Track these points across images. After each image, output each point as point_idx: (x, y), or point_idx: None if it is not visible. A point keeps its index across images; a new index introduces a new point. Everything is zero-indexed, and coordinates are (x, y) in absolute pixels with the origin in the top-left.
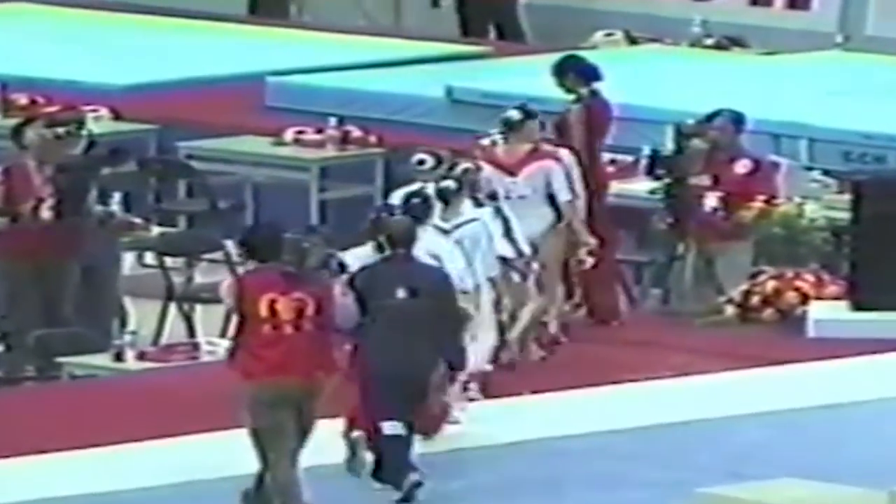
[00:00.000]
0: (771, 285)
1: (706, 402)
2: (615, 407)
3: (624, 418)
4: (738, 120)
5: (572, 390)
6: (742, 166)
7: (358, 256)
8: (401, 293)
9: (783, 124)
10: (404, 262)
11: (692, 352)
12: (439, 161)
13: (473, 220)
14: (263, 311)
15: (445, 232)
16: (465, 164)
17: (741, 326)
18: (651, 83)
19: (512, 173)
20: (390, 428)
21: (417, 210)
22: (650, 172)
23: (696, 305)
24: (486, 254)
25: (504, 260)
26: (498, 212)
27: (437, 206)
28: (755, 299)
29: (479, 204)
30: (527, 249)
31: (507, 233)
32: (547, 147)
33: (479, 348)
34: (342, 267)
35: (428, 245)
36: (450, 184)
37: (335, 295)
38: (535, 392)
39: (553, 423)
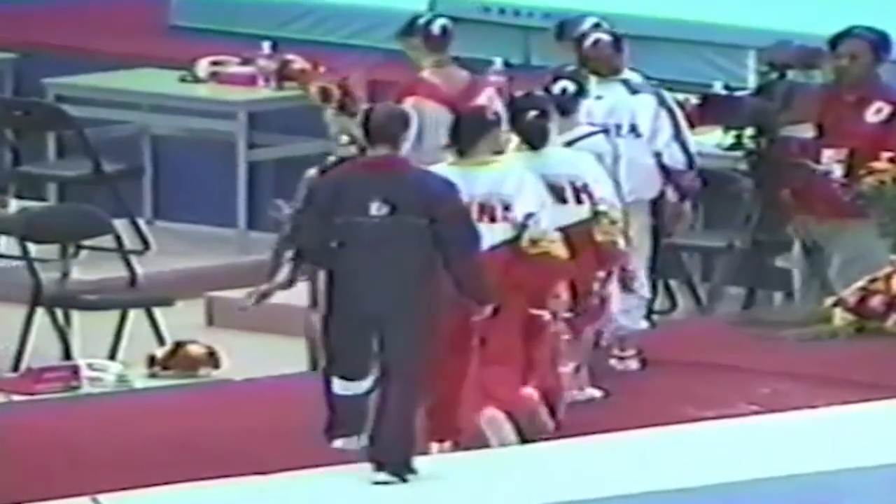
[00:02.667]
0: None
1: (806, 448)
2: (676, 457)
3: (689, 473)
4: (879, 43)
5: (614, 433)
6: (875, 112)
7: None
8: (374, 209)
9: None
10: (385, 167)
11: (786, 377)
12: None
13: (592, 133)
14: None
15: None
16: (595, 36)
17: (856, 340)
18: None
19: None
20: (341, 387)
21: (574, 77)
22: (702, 119)
23: (794, 311)
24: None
25: (668, 174)
26: (662, 102)
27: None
28: (876, 302)
29: (633, 90)
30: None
31: (677, 132)
32: None
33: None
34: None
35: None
36: (567, 85)
37: None
38: (553, 438)
39: (586, 479)
